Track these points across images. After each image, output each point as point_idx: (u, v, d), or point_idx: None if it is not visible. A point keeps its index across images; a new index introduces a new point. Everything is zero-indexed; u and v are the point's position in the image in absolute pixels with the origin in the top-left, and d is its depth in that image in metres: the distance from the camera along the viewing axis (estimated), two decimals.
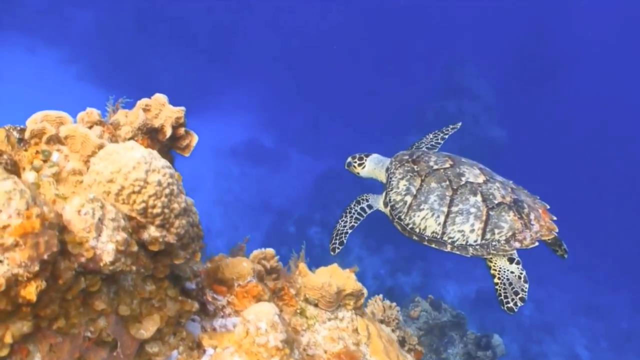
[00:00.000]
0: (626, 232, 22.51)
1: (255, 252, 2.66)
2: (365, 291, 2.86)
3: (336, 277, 2.77)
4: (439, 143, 4.62)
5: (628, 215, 23.66)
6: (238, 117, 23.74)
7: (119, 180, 1.74)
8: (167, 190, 1.81)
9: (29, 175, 1.99)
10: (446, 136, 4.69)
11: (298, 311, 2.68)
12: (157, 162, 1.80)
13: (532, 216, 3.54)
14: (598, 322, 18.48)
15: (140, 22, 24.68)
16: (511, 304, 3.41)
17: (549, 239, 3.62)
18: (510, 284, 3.42)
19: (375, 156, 4.46)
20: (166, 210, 1.82)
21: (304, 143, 22.74)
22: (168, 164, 1.85)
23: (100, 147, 1.95)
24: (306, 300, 2.73)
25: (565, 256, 3.89)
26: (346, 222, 4.12)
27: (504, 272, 3.45)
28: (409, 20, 29.74)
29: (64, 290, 1.58)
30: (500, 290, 3.45)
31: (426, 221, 3.62)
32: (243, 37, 27.62)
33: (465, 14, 29.82)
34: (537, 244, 3.53)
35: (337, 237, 4.09)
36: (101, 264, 1.62)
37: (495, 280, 3.48)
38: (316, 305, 2.72)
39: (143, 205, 1.77)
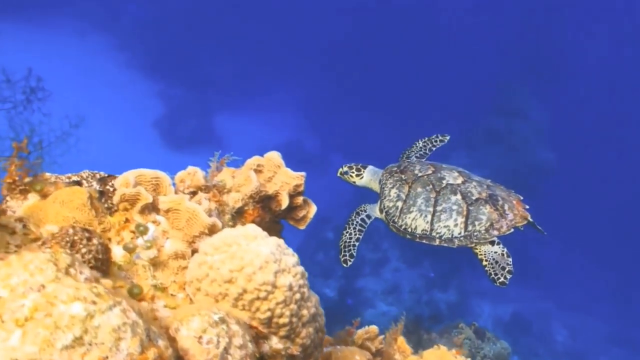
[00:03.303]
0: None
1: (360, 332, 2.25)
2: None
3: None
4: (427, 154, 5.00)
5: None
6: (282, 117, 23.28)
7: (240, 282, 1.34)
8: (297, 295, 1.40)
9: (117, 252, 1.60)
10: (434, 147, 5.04)
11: None
12: (288, 260, 1.39)
13: (506, 207, 4.00)
14: (630, 354, 17.79)
15: (191, 16, 24.52)
16: (502, 279, 3.80)
17: (521, 226, 3.98)
18: (497, 262, 3.87)
19: (371, 168, 4.74)
20: (294, 320, 1.42)
21: (347, 149, 22.15)
22: (297, 258, 1.45)
23: (212, 228, 1.55)
24: None
25: (544, 233, 4.24)
26: (351, 234, 4.47)
27: (489, 254, 3.89)
28: (465, 35, 28.92)
29: None
30: (490, 270, 3.82)
31: (416, 221, 4.06)
32: (293, 35, 27.19)
33: (519, 34, 28.73)
34: (512, 230, 3.91)
35: (347, 250, 4.36)
36: None
37: (484, 263, 3.86)
38: None
39: (268, 314, 1.37)
